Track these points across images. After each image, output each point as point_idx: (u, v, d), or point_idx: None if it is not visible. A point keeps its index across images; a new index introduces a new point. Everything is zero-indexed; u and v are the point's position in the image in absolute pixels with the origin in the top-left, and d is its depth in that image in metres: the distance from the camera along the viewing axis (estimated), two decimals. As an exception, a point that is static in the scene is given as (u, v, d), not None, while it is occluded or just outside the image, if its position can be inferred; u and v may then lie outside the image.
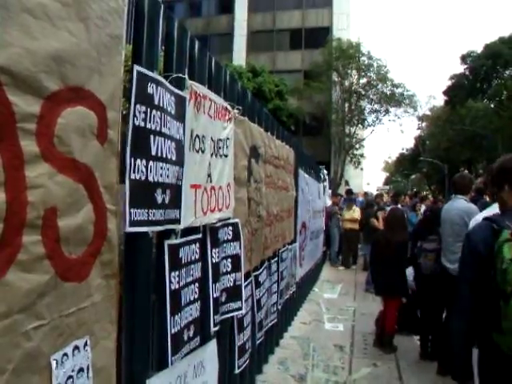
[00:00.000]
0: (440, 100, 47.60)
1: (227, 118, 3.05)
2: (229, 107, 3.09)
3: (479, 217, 3.23)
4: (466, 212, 4.54)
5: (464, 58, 41.03)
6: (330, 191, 14.07)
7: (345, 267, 12.69)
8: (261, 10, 40.00)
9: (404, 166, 64.54)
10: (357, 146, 35.29)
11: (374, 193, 18.58)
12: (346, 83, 34.73)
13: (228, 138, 3.07)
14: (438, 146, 46.69)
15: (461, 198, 4.81)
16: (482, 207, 4.32)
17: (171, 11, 2.53)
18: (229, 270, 3.21)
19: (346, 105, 35.05)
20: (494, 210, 2.85)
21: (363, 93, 34.96)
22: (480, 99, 39.47)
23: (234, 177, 3.25)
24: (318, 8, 38.75)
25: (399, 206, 11.36)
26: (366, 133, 37.10)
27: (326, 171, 11.89)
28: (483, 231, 2.28)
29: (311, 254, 8.65)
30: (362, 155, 35.77)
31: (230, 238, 3.22)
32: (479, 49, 40.51)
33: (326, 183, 12.10)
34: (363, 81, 35.11)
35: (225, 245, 3.16)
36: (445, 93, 43.34)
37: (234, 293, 3.24)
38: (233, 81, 3.57)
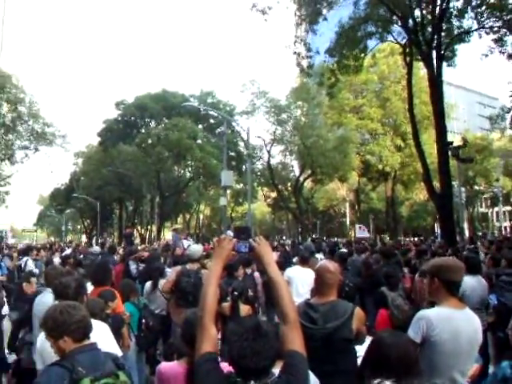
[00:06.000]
0: (95, 140, 49.19)
1: None
2: None
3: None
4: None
5: (118, 105, 43.72)
6: None
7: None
8: None
9: (58, 200, 62.87)
10: (1, 182, 32.88)
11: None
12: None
13: None
14: (92, 183, 47.77)
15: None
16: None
17: None
18: None
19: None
20: None
21: (12, 126, 33.02)
22: (129, 144, 42.42)
23: None
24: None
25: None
26: (14, 169, 35.05)
27: None
28: (59, 381, 2.44)
29: None
30: (6, 193, 33.50)
31: None
32: (131, 99, 44.02)
33: None
34: (14, 114, 33.20)
35: None
36: (99, 134, 45.06)
37: None
38: None
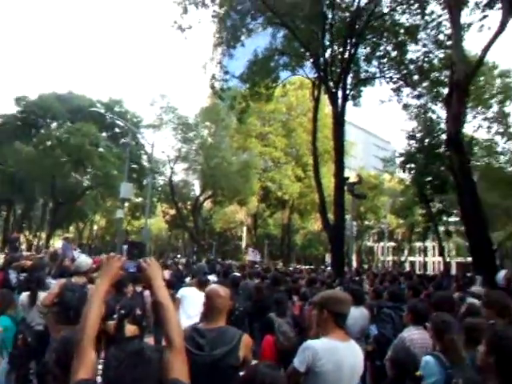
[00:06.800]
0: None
1: None
2: None
3: None
4: None
5: (18, 101, 40.88)
6: None
7: None
8: None
9: None
10: None
11: None
12: None
13: None
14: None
15: None
16: None
17: None
18: None
19: None
20: None
21: None
22: (26, 143, 39.74)
23: None
24: None
25: None
26: None
27: None
28: None
29: None
30: None
31: None
32: (33, 96, 41.41)
33: None
34: None
35: None
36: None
37: None
38: None
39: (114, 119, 37.51)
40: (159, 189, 43.57)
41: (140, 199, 46.13)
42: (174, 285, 8.68)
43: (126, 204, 35.05)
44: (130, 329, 5.69)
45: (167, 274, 12.39)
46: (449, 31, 18.03)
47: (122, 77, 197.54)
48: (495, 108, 30.30)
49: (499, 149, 30.59)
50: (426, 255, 57.53)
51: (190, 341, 3.14)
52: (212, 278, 10.51)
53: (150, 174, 27.42)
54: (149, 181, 27.50)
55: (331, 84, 20.45)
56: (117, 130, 44.20)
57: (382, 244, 62.60)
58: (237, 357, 3.17)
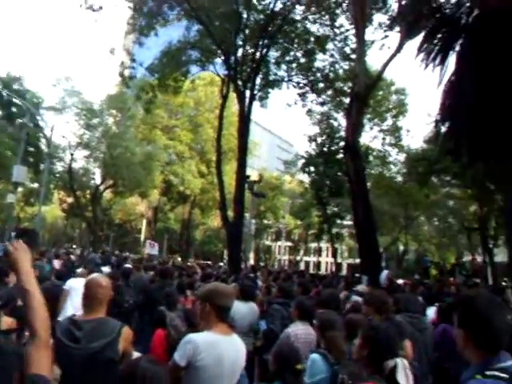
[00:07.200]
0: None
1: None
2: None
3: None
4: None
5: None
6: None
7: None
8: None
9: None
10: None
11: None
12: None
13: None
14: None
15: None
16: None
17: None
18: None
19: None
20: None
21: None
22: None
23: None
24: None
25: None
26: None
27: None
28: None
29: None
30: None
31: None
32: None
33: None
34: None
35: None
36: None
37: None
38: None
39: (11, 97, 34.96)
40: (57, 175, 41.17)
41: (36, 185, 43.35)
42: (63, 275, 8.29)
43: (20, 189, 32.86)
44: (7, 321, 5.34)
45: (57, 263, 11.86)
46: (354, 45, 19.04)
47: (25, 54, 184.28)
48: (390, 121, 32.51)
49: (391, 159, 32.88)
50: (320, 256, 59.98)
51: (66, 332, 3.01)
52: (106, 269, 10.21)
53: (47, 158, 25.91)
54: (46, 166, 26.00)
55: (240, 83, 20.68)
56: (14, 109, 41.08)
57: (279, 243, 64.36)
58: (116, 350, 3.06)
